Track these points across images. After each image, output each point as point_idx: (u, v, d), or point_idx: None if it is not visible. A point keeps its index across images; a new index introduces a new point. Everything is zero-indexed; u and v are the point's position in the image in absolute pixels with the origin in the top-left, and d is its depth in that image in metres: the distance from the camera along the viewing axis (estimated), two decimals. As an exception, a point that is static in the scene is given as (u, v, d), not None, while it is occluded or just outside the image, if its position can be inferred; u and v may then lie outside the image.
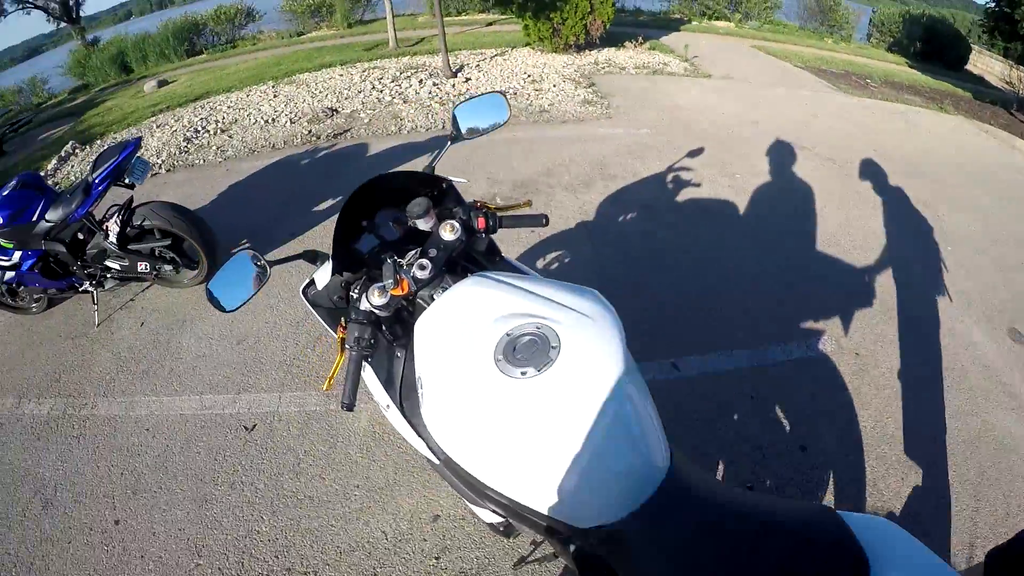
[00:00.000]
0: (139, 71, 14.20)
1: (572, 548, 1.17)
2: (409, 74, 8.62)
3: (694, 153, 5.59)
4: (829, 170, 5.45)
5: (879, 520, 0.99)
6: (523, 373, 1.09)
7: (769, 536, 1.01)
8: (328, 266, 1.65)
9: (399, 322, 1.53)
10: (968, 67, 15.16)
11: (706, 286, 3.66)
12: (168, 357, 3.32)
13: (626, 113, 6.88)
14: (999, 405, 2.92)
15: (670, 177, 5.12)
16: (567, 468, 1.03)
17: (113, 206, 3.52)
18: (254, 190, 5.25)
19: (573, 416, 1.04)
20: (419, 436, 1.46)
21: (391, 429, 2.67)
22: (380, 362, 1.61)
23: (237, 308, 1.53)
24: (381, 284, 1.40)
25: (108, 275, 3.60)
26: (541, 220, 1.67)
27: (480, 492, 1.22)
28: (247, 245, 1.59)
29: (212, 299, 1.52)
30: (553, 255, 3.91)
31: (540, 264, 3.80)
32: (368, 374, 1.57)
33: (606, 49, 10.20)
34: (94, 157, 3.71)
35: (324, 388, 1.47)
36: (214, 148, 6.32)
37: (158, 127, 7.33)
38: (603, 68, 9.02)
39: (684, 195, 4.84)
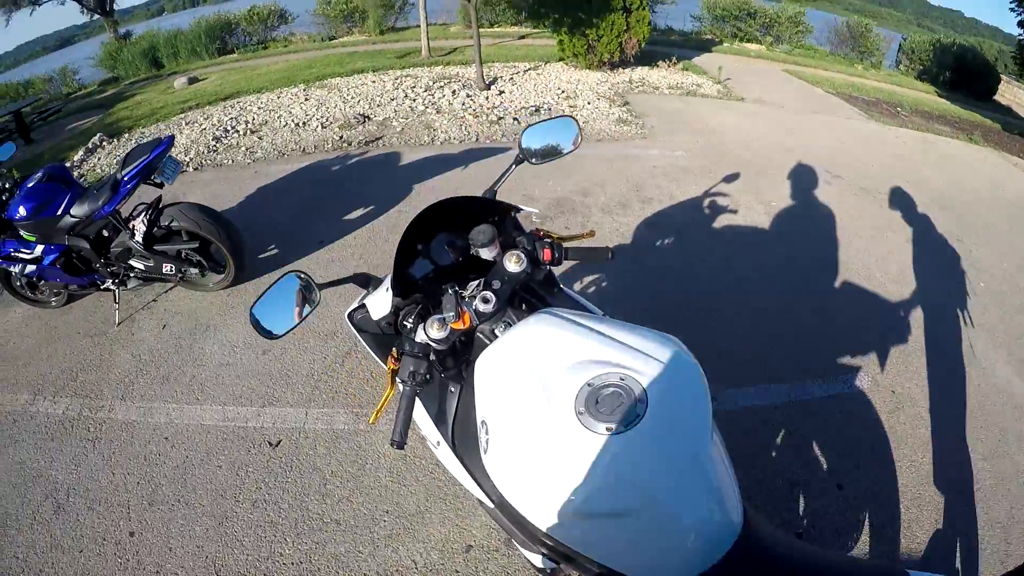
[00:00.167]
0: (170, 67, 14.26)
1: None
2: (442, 84, 8.55)
3: (730, 178, 5.46)
4: (863, 200, 5.33)
5: None
6: (608, 429, 1.00)
7: None
8: (381, 292, 1.52)
9: (452, 354, 1.42)
10: (996, 97, 14.96)
11: (744, 319, 3.53)
12: (190, 363, 3.19)
13: (661, 134, 6.76)
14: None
15: (706, 202, 4.99)
16: (641, 524, 0.99)
17: (140, 204, 3.42)
18: (283, 194, 5.15)
19: (656, 475, 0.99)
20: (471, 476, 1.36)
21: (422, 453, 2.56)
22: (430, 396, 1.50)
23: (284, 334, 1.40)
24: (441, 316, 1.30)
25: (131, 274, 3.49)
26: (606, 254, 1.54)
27: (536, 537, 1.16)
28: (295, 271, 1.43)
29: (256, 324, 1.39)
30: (590, 278, 3.76)
31: (577, 287, 3.65)
32: (416, 408, 1.44)
33: (639, 68, 10.11)
34: (124, 153, 3.61)
35: (370, 422, 1.36)
36: (243, 149, 6.25)
37: (187, 124, 7.31)
38: (637, 87, 8.92)
39: (721, 222, 4.70)
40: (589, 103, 7.74)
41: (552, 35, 10.20)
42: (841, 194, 5.39)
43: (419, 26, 11.17)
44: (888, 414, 2.90)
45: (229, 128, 6.92)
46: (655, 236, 4.38)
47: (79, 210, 3.16)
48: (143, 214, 3.31)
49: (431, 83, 8.65)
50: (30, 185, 3.22)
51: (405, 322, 1.41)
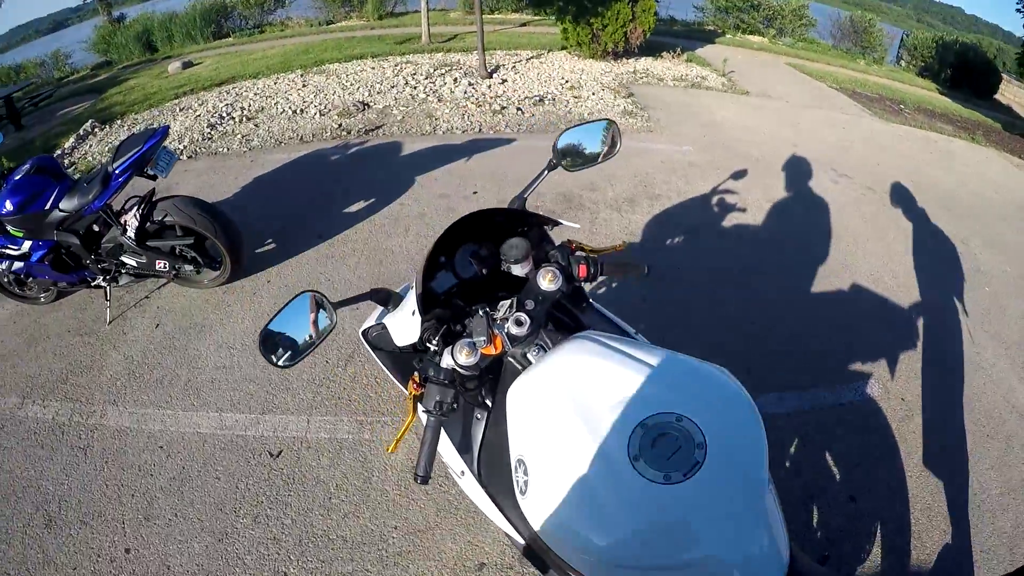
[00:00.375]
0: (164, 51, 13.96)
1: None
2: (443, 71, 8.36)
3: (737, 175, 5.36)
4: (869, 200, 5.27)
5: None
6: (667, 477, 0.93)
7: None
8: (404, 314, 1.38)
9: (478, 377, 1.29)
10: (997, 96, 14.88)
11: (755, 324, 3.44)
12: (184, 366, 3.05)
13: (667, 127, 6.62)
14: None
15: (715, 200, 4.89)
16: (693, 573, 0.93)
17: (133, 197, 3.26)
18: (280, 185, 4.99)
19: (716, 526, 0.93)
20: (500, 511, 1.26)
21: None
22: (453, 422, 1.38)
23: (296, 362, 1.26)
24: (470, 340, 1.17)
25: (123, 271, 3.34)
26: (642, 270, 1.43)
27: (565, 574, 1.09)
28: (308, 291, 1.29)
29: (266, 350, 1.25)
30: (601, 279, 3.62)
31: (587, 288, 3.52)
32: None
33: (643, 58, 9.93)
34: (116, 143, 3.45)
35: (389, 451, 1.24)
36: (239, 136, 6.07)
37: (181, 110, 7.11)
38: (641, 78, 8.76)
39: (730, 220, 4.60)
40: (594, 94, 7.58)
41: (555, 23, 10.00)
42: (848, 194, 5.33)
43: (418, 11, 10.96)
44: (899, 422, 2.84)
45: (224, 115, 6.73)
46: (664, 235, 4.27)
47: (68, 204, 3.00)
48: (135, 208, 3.15)
49: (432, 70, 8.46)
50: (17, 178, 3.05)
51: (428, 343, 1.28)
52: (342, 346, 3.10)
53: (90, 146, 6.28)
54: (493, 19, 14.57)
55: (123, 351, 3.18)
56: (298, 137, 6.03)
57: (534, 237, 1.49)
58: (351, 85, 7.77)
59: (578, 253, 1.37)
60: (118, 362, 3.11)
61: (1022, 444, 2.82)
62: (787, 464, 2.60)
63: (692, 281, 3.75)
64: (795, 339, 3.32)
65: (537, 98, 7.24)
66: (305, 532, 2.26)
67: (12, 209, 2.97)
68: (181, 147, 5.81)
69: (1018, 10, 14.22)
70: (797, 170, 5.68)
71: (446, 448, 1.38)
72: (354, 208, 4.50)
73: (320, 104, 6.97)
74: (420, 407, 1.22)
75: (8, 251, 3.13)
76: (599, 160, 1.71)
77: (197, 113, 6.88)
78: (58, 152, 6.10)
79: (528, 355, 1.25)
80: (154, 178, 3.14)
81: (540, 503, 1.02)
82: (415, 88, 7.54)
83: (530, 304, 1.24)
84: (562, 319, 1.45)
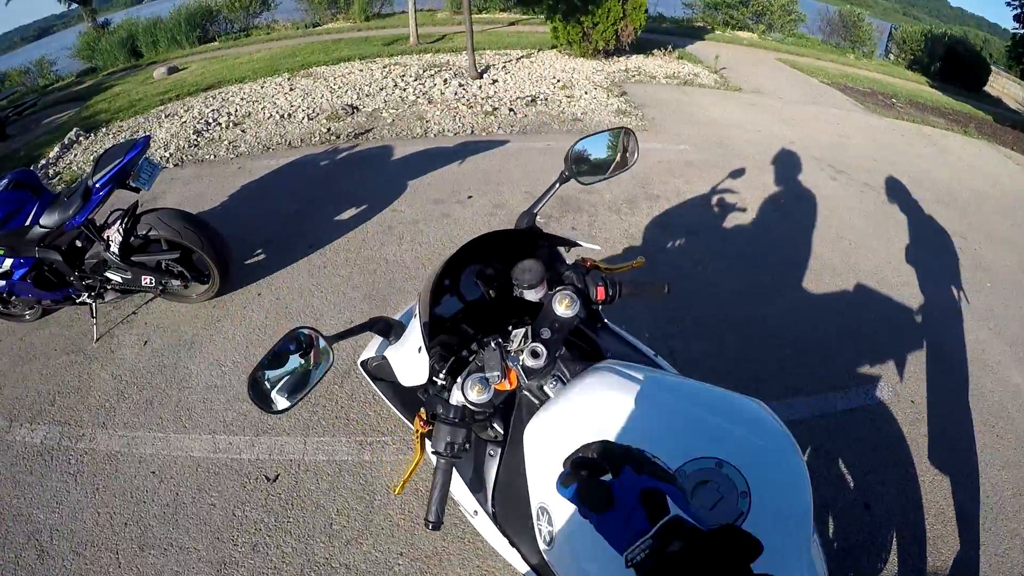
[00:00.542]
0: (149, 56, 13.81)
1: None
2: (432, 72, 8.26)
3: (735, 174, 5.31)
4: (868, 197, 5.25)
5: None
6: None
7: None
8: (409, 351, 1.26)
9: (490, 411, 1.19)
10: (986, 88, 14.98)
11: (761, 327, 3.37)
12: (175, 386, 2.94)
13: (662, 126, 6.56)
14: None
15: (714, 200, 4.83)
16: None
17: (116, 210, 3.15)
18: (269, 192, 4.88)
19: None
20: (520, 554, 1.18)
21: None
22: (465, 459, 1.27)
23: (291, 406, 1.15)
24: (482, 375, 1.07)
25: (108, 287, 3.23)
26: (663, 290, 1.32)
27: None
28: (300, 328, 1.17)
29: (256, 395, 1.13)
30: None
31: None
32: None
33: (634, 56, 9.89)
34: (97, 155, 3.32)
35: (395, 492, 1.14)
36: (226, 143, 5.95)
37: (167, 117, 6.98)
38: (633, 76, 8.70)
39: (731, 221, 4.53)
40: (587, 93, 7.50)
41: (545, 22, 9.93)
42: (847, 191, 5.30)
43: (405, 12, 10.85)
44: (909, 425, 2.79)
45: (211, 121, 6.60)
46: (665, 238, 4.18)
47: (49, 220, 2.89)
48: (118, 222, 3.04)
49: (421, 71, 8.35)
50: None
51: (435, 378, 1.18)
52: (338, 362, 2.97)
53: (75, 155, 6.14)
54: (481, 19, 14.47)
55: (111, 370, 3.07)
56: (286, 142, 5.91)
57: (544, 256, 1.40)
58: (339, 88, 7.66)
59: (594, 273, 1.27)
60: (106, 382, 3.00)
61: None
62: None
63: (693, 284, 3.68)
64: (808, 341, 3.27)
65: (529, 98, 7.14)
66: (307, 561, 2.16)
67: (-10, 226, 2.85)
68: (167, 155, 5.68)
69: (1008, 3, 14.25)
70: (795, 167, 5.64)
71: (456, 486, 1.29)
72: (346, 216, 4.39)
73: (308, 108, 6.85)
74: (429, 446, 1.13)
75: (-11, 270, 3.01)
76: (615, 172, 1.59)
77: (183, 119, 6.75)
78: (43, 162, 5.96)
79: (545, 387, 1.16)
80: (137, 191, 3.03)
81: (568, 558, 0.94)
82: (404, 90, 7.44)
83: (546, 332, 1.14)
84: (576, 343, 1.35)
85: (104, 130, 6.83)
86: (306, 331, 1.15)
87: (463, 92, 7.36)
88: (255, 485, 2.43)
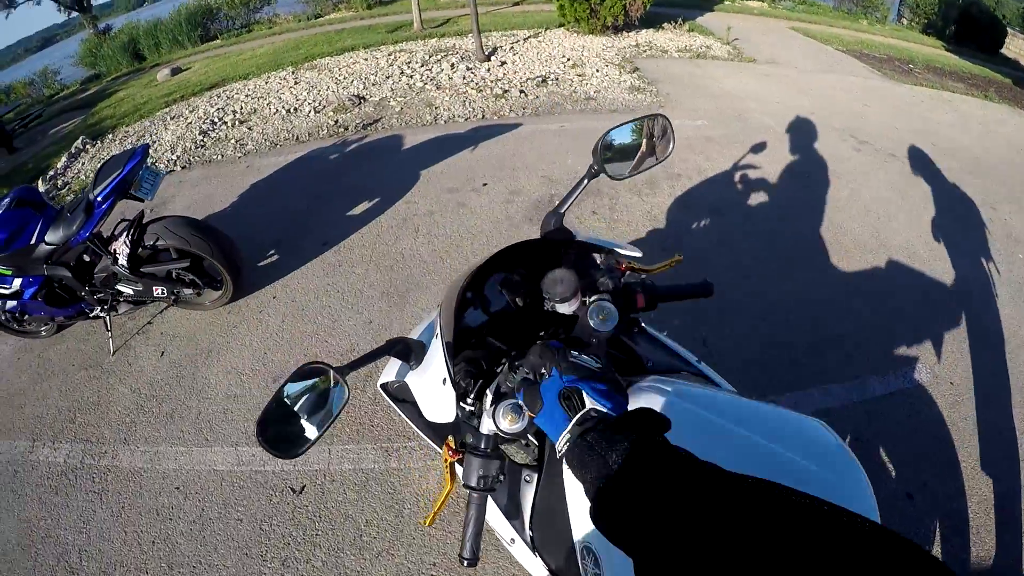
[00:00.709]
0: (152, 59, 13.74)
1: None
2: (439, 57, 8.07)
3: (757, 148, 5.10)
4: (893, 167, 5.01)
5: None
6: None
7: None
8: (432, 381, 1.14)
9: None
10: (1003, 51, 14.47)
11: (793, 309, 3.23)
12: (194, 396, 2.86)
13: (678, 101, 6.33)
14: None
15: (738, 177, 4.64)
16: None
17: (123, 221, 3.08)
18: (279, 190, 4.77)
19: None
20: None
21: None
22: (500, 486, 1.15)
23: (306, 449, 1.03)
24: (515, 403, 0.93)
25: (120, 299, 3.15)
26: (708, 290, 1.17)
27: None
28: (309, 362, 1.04)
29: (267, 440, 1.01)
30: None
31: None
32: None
33: (644, 31, 9.61)
34: (97, 167, 3.23)
35: (426, 524, 1.02)
36: (232, 141, 5.85)
37: (172, 119, 6.89)
38: (645, 51, 8.45)
39: (755, 198, 4.35)
40: (598, 71, 7.27)
41: (550, 0, 9.66)
42: (872, 162, 5.07)
43: (410, -3, 10.64)
44: (949, 408, 2.66)
45: (216, 120, 6.50)
46: (689, 219, 4.02)
47: (54, 236, 2.80)
48: (125, 234, 2.95)
49: (427, 57, 8.17)
50: None
51: (462, 403, 1.05)
52: (359, 369, 2.88)
53: (83, 163, 6.09)
54: (485, 0, 14.21)
55: (129, 384, 3.00)
56: (294, 137, 5.79)
57: (574, 260, 1.26)
58: (345, 79, 7.51)
59: (630, 276, 1.14)
60: (125, 396, 2.94)
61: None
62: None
63: (723, 266, 3.54)
64: (843, 323, 3.12)
65: (540, 79, 6.94)
66: (339, 574, 2.08)
67: (-4, 246, 2.77)
68: (174, 157, 5.59)
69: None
70: (817, 139, 5.43)
71: (491, 514, 1.18)
72: (358, 210, 4.27)
73: (314, 101, 6.72)
74: (459, 476, 1.01)
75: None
76: (649, 164, 1.42)
77: (188, 120, 6.65)
78: (51, 173, 5.91)
79: None
80: (141, 200, 2.92)
81: None
82: (411, 77, 7.27)
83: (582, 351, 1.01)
84: (613, 353, 1.21)
85: (110, 136, 6.77)
86: (315, 366, 1.03)
87: (471, 76, 7.17)
88: (281, 498, 2.35)
